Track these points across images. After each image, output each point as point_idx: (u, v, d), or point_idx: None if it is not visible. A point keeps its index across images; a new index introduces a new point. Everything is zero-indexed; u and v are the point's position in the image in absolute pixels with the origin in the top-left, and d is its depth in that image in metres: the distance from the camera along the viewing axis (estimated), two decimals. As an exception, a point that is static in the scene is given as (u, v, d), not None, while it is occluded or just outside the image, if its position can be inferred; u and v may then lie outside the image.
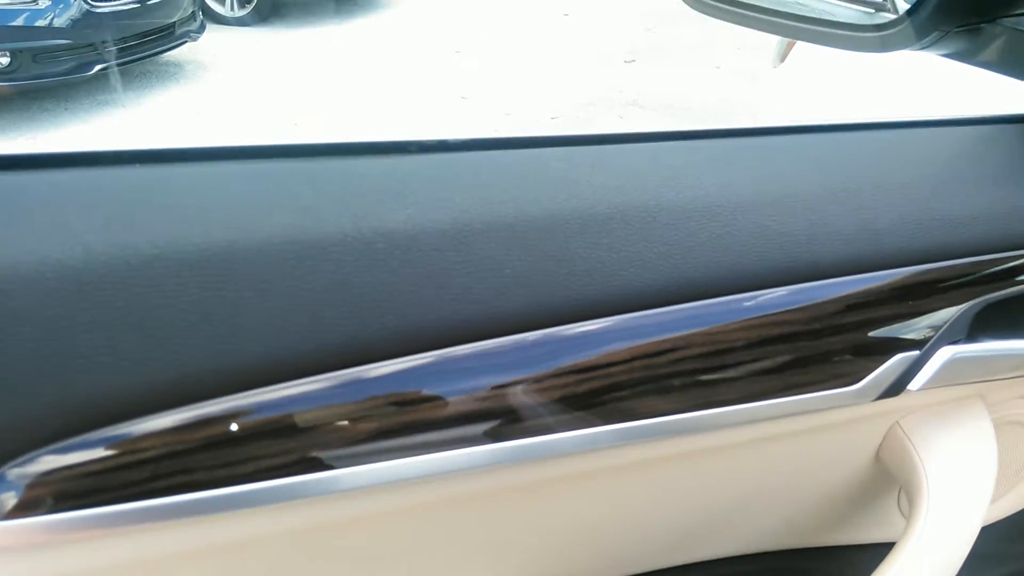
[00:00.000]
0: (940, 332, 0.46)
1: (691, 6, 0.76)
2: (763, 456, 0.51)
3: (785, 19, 0.65)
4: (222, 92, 4.81)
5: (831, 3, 0.64)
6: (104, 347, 0.36)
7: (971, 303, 0.47)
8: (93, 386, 0.36)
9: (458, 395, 0.40)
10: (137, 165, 0.41)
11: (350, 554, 0.46)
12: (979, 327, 0.48)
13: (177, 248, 0.37)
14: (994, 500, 0.61)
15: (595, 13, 6.74)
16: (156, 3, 4.59)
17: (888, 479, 0.57)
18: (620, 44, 5.82)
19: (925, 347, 0.46)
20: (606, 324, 0.42)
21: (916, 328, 0.46)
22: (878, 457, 0.54)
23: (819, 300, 0.45)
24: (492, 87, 4.94)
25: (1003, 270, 0.48)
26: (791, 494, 0.56)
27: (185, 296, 0.37)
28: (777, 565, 0.62)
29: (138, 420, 0.37)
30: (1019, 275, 0.48)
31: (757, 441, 0.49)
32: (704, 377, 0.44)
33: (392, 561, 0.48)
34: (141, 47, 4.54)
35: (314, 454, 0.39)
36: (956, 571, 0.50)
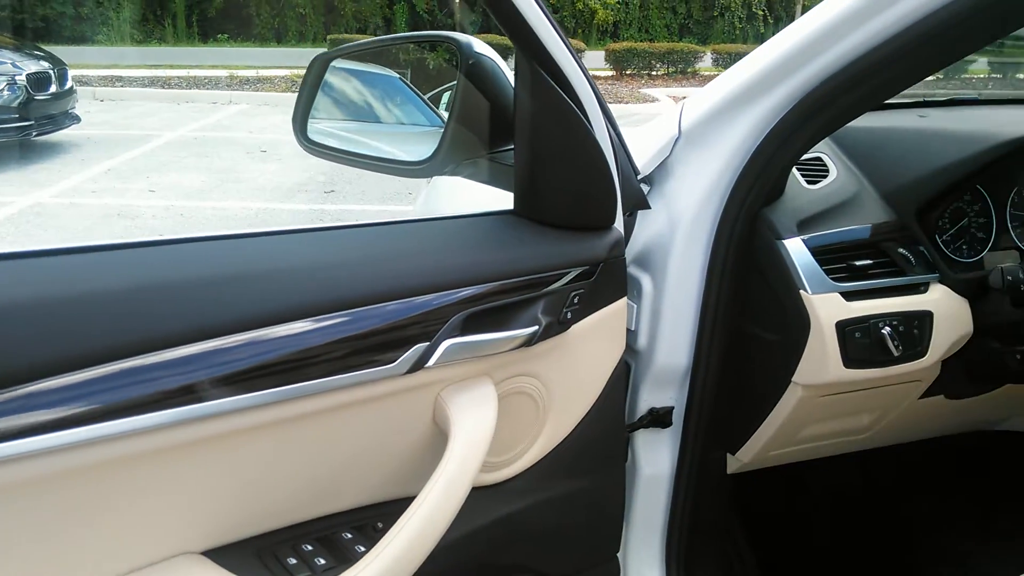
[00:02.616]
0: (442, 330, 0.82)
1: (306, 150, 1.12)
2: (354, 420, 0.81)
3: (368, 160, 1.04)
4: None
5: (390, 148, 1.05)
6: None
7: (460, 314, 0.83)
8: None
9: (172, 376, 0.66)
10: None
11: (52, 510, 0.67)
12: (469, 327, 0.85)
13: None
14: (521, 450, 0.97)
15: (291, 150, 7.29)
16: (62, 96, 7.32)
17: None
18: (319, 175, 6.32)
19: (433, 339, 0.81)
20: (255, 335, 0.70)
21: (429, 329, 0.81)
22: (435, 421, 0.88)
23: (372, 317, 0.78)
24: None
25: (477, 295, 0.85)
26: (386, 452, 0.87)
27: None
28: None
29: None
30: (486, 300, 0.85)
31: (344, 407, 0.79)
32: (304, 367, 0.74)
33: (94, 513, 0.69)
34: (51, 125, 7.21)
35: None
36: (467, 490, 0.79)
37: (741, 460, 1.23)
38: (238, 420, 0.71)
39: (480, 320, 0.82)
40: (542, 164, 0.87)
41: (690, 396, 1.11)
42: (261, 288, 0.73)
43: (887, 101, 1.10)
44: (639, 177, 1.07)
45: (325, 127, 1.21)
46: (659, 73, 16.25)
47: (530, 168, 0.87)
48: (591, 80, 0.87)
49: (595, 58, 16.85)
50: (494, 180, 1.00)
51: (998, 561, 1.18)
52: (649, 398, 1.12)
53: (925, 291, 1.09)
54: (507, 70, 0.95)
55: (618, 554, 1.14)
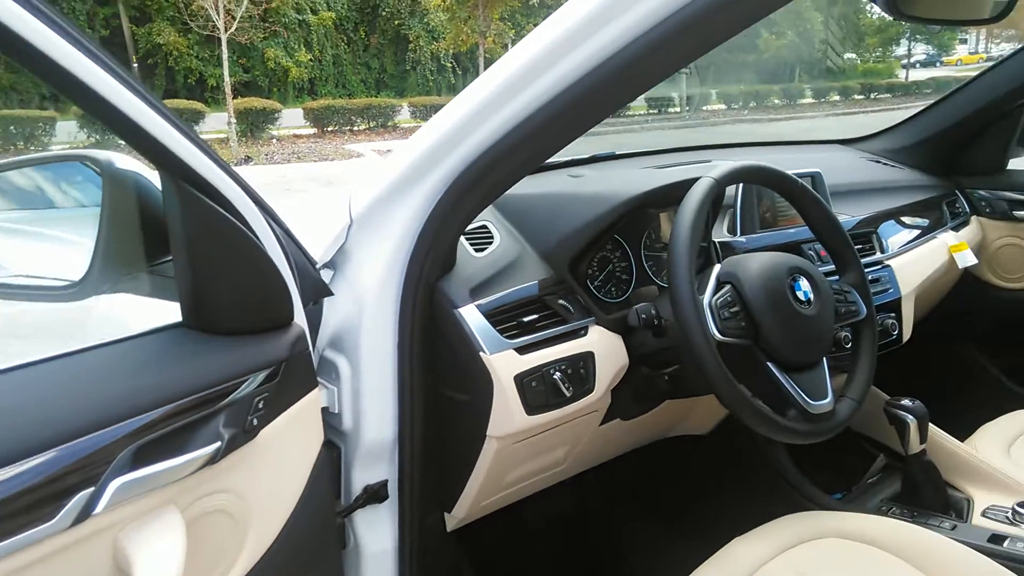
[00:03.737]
0: (108, 470, 0.76)
1: None
2: None
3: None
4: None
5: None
6: None
7: (130, 448, 0.78)
8: None
9: None
10: None
11: None
12: (141, 459, 0.80)
13: None
14: (223, 570, 0.92)
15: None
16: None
17: None
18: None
19: (100, 482, 0.75)
20: None
21: (94, 473, 0.75)
22: (119, 568, 0.81)
23: (17, 477, 0.70)
24: None
25: (148, 424, 0.80)
26: None
27: None
28: None
29: None
30: (158, 427, 0.81)
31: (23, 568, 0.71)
32: None
33: None
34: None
35: None
36: None
37: (457, 516, 1.29)
38: None
39: (154, 449, 0.78)
40: (204, 277, 0.85)
41: (400, 466, 1.15)
42: None
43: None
44: (319, 265, 1.10)
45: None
46: (360, 128, 16.50)
47: (193, 282, 0.85)
48: (244, 184, 0.88)
49: (294, 116, 16.69)
50: (160, 293, 0.96)
51: (689, 553, 1.35)
52: (362, 476, 1.13)
53: (585, 334, 1.24)
54: (157, 181, 0.92)
55: None
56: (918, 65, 32.54)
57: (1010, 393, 2.08)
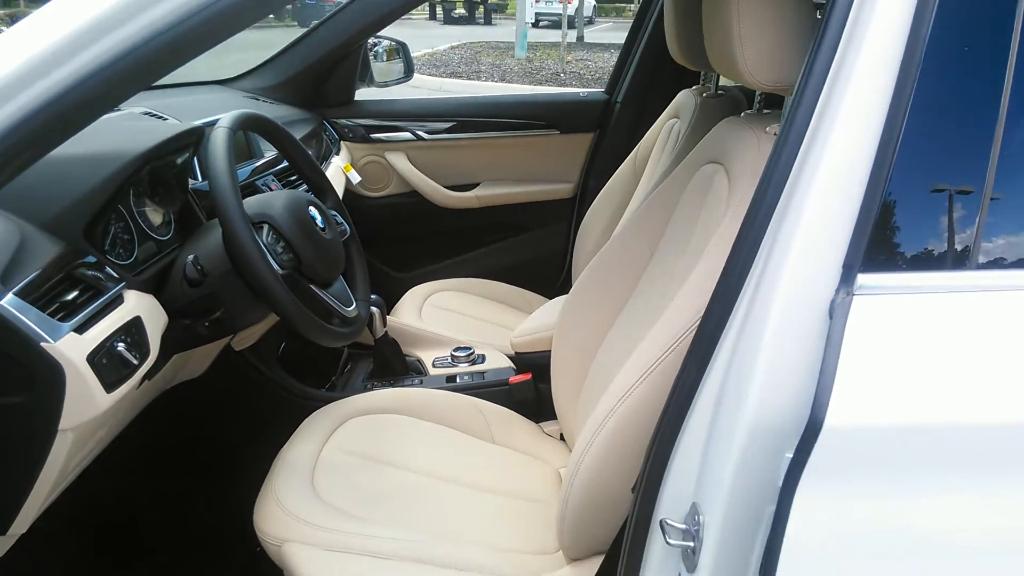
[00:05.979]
0: None
1: None
2: None
3: None
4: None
5: None
6: None
7: None
8: None
9: None
10: None
11: None
12: None
13: None
14: None
15: None
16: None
17: None
18: None
19: None
20: None
21: None
22: None
23: None
24: None
25: None
26: None
27: None
28: None
29: None
30: None
31: None
32: None
33: None
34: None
35: None
36: None
37: (17, 533, 1.11)
38: None
39: None
40: None
41: None
42: None
43: None
44: None
45: None
46: None
47: None
48: None
49: None
50: None
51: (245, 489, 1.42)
52: None
53: (123, 301, 1.17)
54: None
55: None
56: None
57: (394, 279, 2.64)
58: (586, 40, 18.29)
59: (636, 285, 1.42)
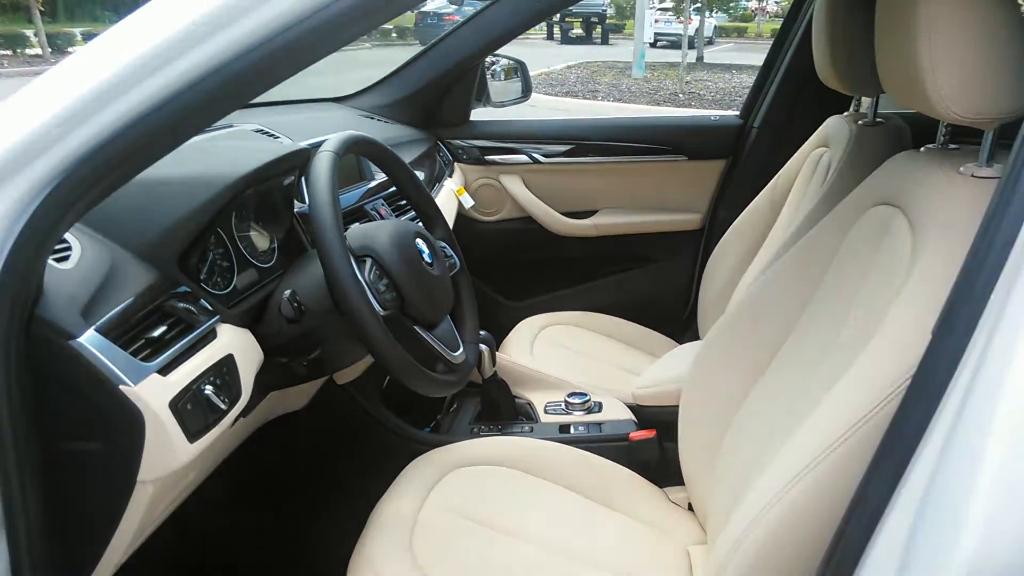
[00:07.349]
0: None
1: None
2: None
3: None
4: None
5: None
6: None
7: None
8: None
9: None
10: None
11: None
12: None
13: None
14: None
15: None
16: None
17: None
18: None
19: None
20: None
21: None
22: None
23: None
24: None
25: None
26: None
27: None
28: None
29: None
30: None
31: None
32: None
33: None
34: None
35: None
36: None
37: None
38: None
39: None
40: None
41: (13, 545, 0.86)
42: None
43: None
44: None
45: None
46: None
47: None
48: None
49: None
50: None
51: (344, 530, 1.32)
52: None
53: (216, 337, 1.08)
54: None
55: None
56: None
57: (505, 307, 2.51)
58: (705, 60, 17.87)
59: (785, 341, 1.22)
